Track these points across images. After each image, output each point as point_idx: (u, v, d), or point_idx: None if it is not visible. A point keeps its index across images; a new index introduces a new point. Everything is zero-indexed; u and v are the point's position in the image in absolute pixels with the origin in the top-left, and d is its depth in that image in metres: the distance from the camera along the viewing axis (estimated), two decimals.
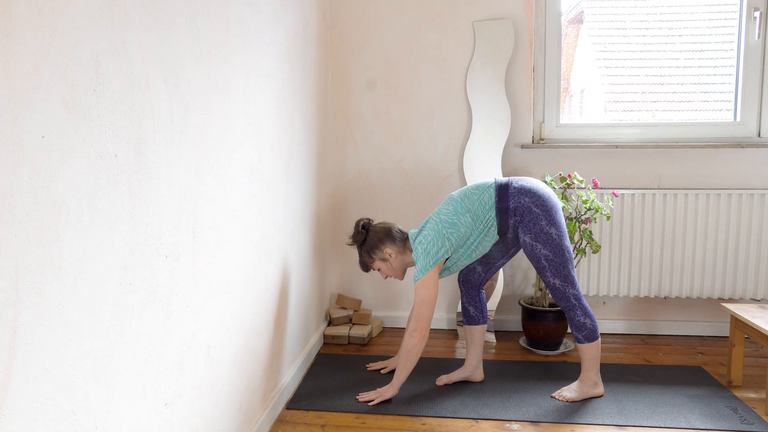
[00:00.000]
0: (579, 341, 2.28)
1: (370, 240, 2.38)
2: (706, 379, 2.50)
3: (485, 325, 2.49)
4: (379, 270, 2.42)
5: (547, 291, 2.87)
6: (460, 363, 2.69)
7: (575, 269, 2.95)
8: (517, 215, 2.22)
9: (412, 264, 2.40)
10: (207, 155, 1.54)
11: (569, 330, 2.29)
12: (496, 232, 2.25)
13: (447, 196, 2.29)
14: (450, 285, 3.22)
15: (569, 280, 2.24)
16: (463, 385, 2.44)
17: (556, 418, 2.14)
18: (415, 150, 3.17)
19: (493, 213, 2.23)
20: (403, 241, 2.38)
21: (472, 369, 2.47)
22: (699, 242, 2.95)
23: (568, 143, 3.07)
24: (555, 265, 2.22)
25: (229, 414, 1.73)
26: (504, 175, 3.07)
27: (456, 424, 2.12)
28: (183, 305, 1.41)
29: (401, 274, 2.44)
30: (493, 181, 2.29)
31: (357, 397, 2.30)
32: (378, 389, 2.32)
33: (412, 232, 2.35)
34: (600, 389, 2.32)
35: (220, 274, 1.64)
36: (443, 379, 2.47)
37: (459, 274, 2.51)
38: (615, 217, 2.99)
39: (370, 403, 2.24)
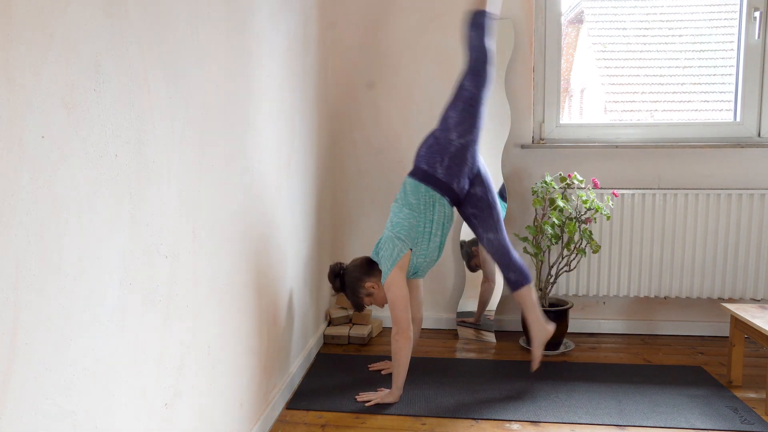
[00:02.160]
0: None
1: (348, 282, 2.41)
2: (706, 379, 2.50)
3: (530, 285, 2.42)
4: (372, 304, 2.45)
5: (545, 289, 2.87)
6: (459, 363, 2.69)
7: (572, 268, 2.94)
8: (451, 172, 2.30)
9: None
10: (207, 155, 1.54)
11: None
12: (448, 203, 2.32)
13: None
14: (449, 285, 3.22)
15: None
16: (463, 385, 2.44)
17: (556, 418, 2.14)
18: (415, 150, 3.16)
19: (425, 187, 2.29)
20: (376, 268, 2.40)
21: (537, 328, 2.44)
22: (699, 242, 2.95)
23: (568, 143, 3.07)
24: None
25: (229, 414, 1.73)
26: (504, 176, 3.07)
27: (456, 424, 2.12)
28: (183, 305, 1.41)
29: None
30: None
31: (356, 396, 2.31)
32: (378, 390, 2.32)
33: (372, 253, 2.40)
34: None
35: (220, 274, 1.64)
36: (536, 364, 2.46)
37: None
38: (615, 217, 2.99)
39: (367, 404, 2.24)
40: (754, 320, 2.26)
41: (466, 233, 3.11)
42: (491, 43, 2.32)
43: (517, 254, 2.43)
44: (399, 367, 2.26)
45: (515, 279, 2.40)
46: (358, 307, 2.46)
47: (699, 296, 3.00)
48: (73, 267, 1.00)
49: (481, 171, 2.39)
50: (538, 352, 2.45)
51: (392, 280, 2.26)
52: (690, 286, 2.99)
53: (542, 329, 2.44)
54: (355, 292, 2.41)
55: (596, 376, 2.53)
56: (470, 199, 2.38)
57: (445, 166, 2.29)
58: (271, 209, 2.12)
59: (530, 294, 2.41)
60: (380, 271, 2.36)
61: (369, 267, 2.40)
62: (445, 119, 2.32)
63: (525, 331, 2.90)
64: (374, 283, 2.39)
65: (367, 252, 2.88)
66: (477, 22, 2.29)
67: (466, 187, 2.37)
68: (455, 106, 2.30)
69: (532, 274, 3.14)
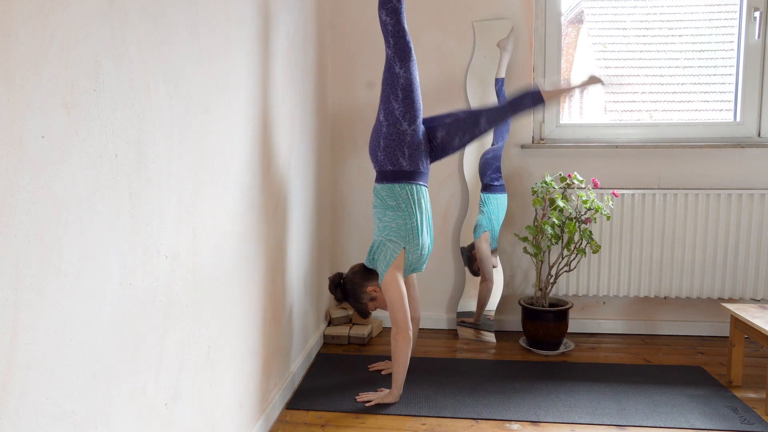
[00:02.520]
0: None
1: (350, 290, 2.43)
2: (706, 379, 2.50)
3: (539, 89, 2.42)
4: (376, 308, 2.47)
5: (545, 289, 2.87)
6: (459, 363, 2.69)
7: (572, 268, 2.94)
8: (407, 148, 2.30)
9: None
10: (207, 155, 1.54)
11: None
12: (424, 186, 2.33)
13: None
14: (449, 285, 3.22)
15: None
16: (463, 385, 2.44)
17: (556, 418, 2.14)
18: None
19: (398, 185, 2.28)
20: (374, 273, 2.42)
21: (583, 86, 2.48)
22: (699, 242, 2.95)
23: (568, 143, 3.07)
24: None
25: (229, 414, 1.73)
26: (504, 176, 3.07)
27: (456, 424, 2.12)
28: (183, 305, 1.41)
29: None
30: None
31: (356, 396, 2.31)
32: (378, 390, 2.32)
33: (366, 260, 2.42)
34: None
35: (220, 274, 1.64)
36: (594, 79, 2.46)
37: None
38: (615, 217, 2.99)
39: (367, 404, 2.25)
40: (754, 320, 2.26)
41: (465, 239, 3.11)
42: (405, 23, 2.29)
43: (505, 99, 2.43)
44: (399, 366, 2.26)
45: (531, 102, 2.41)
46: (363, 314, 2.48)
47: (699, 296, 3.00)
48: (73, 267, 1.00)
49: (428, 125, 2.38)
50: (588, 82, 2.44)
51: (389, 279, 2.27)
52: (690, 286, 2.99)
53: (583, 85, 2.43)
54: (358, 299, 2.42)
55: (596, 376, 2.53)
56: (443, 144, 2.38)
57: (408, 156, 2.29)
58: (271, 208, 2.12)
59: (551, 91, 2.41)
60: (378, 275, 2.38)
61: (367, 272, 2.42)
62: (390, 113, 2.28)
63: (525, 330, 2.90)
64: (375, 287, 2.40)
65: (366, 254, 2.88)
66: (390, 7, 2.23)
67: (428, 162, 2.38)
68: (396, 97, 2.27)
69: (531, 273, 3.16)
